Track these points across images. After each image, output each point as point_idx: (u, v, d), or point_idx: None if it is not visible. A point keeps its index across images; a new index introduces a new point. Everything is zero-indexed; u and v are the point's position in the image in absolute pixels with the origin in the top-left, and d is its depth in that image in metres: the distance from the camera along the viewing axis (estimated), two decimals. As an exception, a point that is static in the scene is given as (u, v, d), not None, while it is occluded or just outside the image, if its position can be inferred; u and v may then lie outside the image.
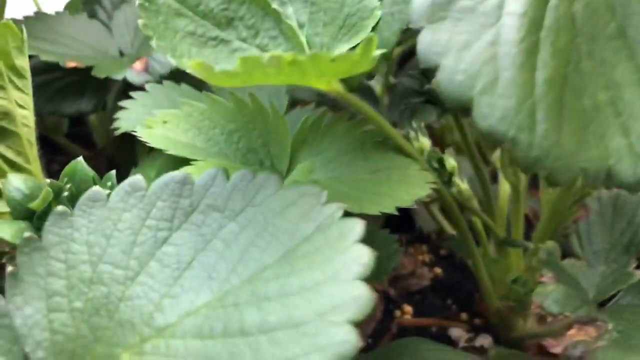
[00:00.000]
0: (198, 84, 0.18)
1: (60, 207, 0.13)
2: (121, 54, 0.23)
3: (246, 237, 0.11)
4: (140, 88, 0.19)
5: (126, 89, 0.20)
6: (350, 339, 0.09)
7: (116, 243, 0.12)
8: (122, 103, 0.18)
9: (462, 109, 0.10)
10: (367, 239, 0.18)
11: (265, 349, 0.10)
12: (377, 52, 0.12)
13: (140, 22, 0.13)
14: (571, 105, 0.10)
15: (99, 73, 0.20)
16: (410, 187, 0.14)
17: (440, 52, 0.10)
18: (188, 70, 0.11)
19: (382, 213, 0.14)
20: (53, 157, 0.30)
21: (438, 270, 0.27)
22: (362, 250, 0.10)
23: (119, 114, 0.18)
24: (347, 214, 0.13)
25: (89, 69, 0.20)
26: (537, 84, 0.10)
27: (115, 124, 0.18)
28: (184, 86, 0.18)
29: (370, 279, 0.10)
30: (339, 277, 0.10)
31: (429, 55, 0.10)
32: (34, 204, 0.14)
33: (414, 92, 0.21)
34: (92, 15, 0.23)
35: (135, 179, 0.12)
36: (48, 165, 0.28)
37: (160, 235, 0.12)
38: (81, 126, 0.32)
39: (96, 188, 0.13)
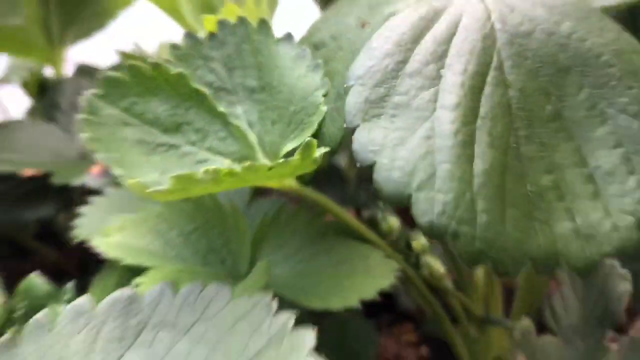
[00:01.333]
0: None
1: (6, 335, 0.12)
2: (83, 157, 0.23)
3: (198, 356, 0.10)
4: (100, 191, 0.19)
5: (89, 191, 0.20)
6: None
7: (64, 372, 0.11)
8: (79, 209, 0.18)
9: (403, 206, 0.10)
10: (339, 332, 0.18)
11: None
12: (321, 151, 0.12)
13: (85, 136, 0.13)
14: (513, 192, 0.10)
15: (58, 179, 0.19)
16: (373, 278, 0.14)
17: (376, 150, 0.10)
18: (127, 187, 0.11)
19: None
20: (22, 262, 0.29)
21: (424, 350, 0.26)
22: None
23: (77, 221, 0.17)
24: (309, 313, 0.13)
25: (48, 175, 0.20)
26: (476, 174, 0.10)
27: (74, 232, 0.17)
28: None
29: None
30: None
31: (365, 154, 0.10)
32: (-17, 328, 0.14)
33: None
34: (52, 120, 0.23)
35: (82, 300, 0.12)
36: (17, 272, 0.27)
37: (110, 359, 0.11)
38: (51, 224, 0.32)
39: (43, 312, 0.12)
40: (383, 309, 0.29)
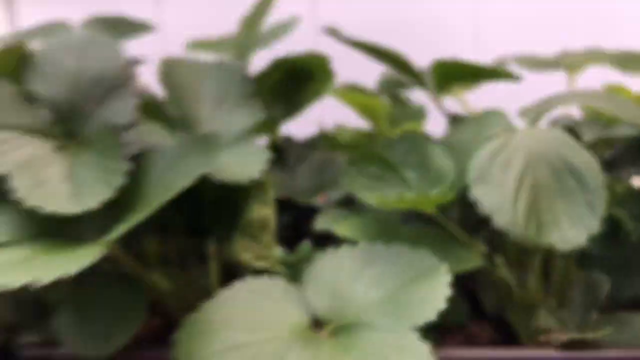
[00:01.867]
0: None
1: (308, 262, 0.28)
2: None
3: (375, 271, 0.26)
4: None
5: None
6: None
7: None
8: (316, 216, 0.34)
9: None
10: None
11: None
12: (450, 195, 0.27)
13: (346, 183, 0.29)
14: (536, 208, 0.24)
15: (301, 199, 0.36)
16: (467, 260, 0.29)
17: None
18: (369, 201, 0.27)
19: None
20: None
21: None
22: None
23: (317, 219, 0.34)
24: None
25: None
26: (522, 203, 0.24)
27: (316, 223, 0.34)
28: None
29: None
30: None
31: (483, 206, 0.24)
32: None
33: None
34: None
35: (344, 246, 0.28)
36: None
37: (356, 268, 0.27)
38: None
39: (321, 252, 0.28)
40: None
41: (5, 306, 0.25)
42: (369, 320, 0.23)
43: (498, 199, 0.24)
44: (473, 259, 0.28)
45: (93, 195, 0.23)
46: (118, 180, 0.23)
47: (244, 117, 0.33)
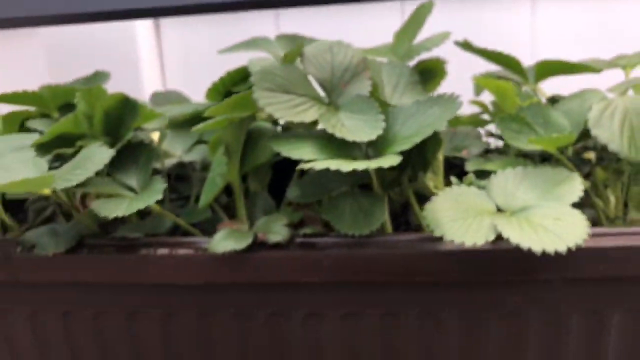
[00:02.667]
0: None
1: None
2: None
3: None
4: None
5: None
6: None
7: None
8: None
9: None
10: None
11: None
12: (570, 138, 0.42)
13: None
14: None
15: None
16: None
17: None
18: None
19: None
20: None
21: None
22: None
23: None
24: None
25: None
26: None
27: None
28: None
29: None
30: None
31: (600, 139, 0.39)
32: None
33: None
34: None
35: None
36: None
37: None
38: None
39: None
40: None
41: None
42: (532, 205, 0.38)
43: (609, 135, 0.39)
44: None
45: (365, 134, 0.39)
46: (381, 126, 0.39)
47: (412, 96, 0.49)
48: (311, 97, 0.41)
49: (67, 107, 0.56)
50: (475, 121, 0.58)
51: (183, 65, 0.86)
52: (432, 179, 0.45)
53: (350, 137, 0.37)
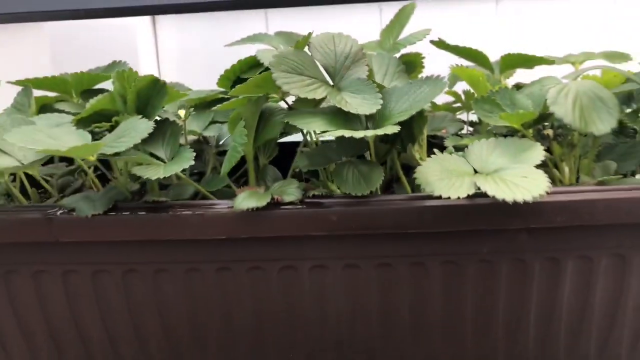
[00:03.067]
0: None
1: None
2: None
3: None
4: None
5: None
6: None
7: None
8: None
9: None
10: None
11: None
12: (533, 115, 0.51)
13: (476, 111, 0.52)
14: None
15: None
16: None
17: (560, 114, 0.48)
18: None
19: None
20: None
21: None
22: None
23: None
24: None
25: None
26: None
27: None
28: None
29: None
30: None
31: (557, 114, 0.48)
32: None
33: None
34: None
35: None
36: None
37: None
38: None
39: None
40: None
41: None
42: (503, 167, 0.46)
43: (564, 111, 0.48)
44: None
45: (367, 108, 0.46)
46: (379, 102, 0.47)
47: (400, 82, 0.57)
48: (319, 79, 0.48)
49: (88, 93, 0.62)
50: (450, 108, 0.67)
51: (177, 58, 0.92)
52: (418, 151, 0.53)
53: (354, 110, 0.44)
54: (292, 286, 0.52)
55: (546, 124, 0.55)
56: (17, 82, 0.58)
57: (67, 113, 0.56)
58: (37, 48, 0.86)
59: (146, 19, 0.89)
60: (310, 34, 0.49)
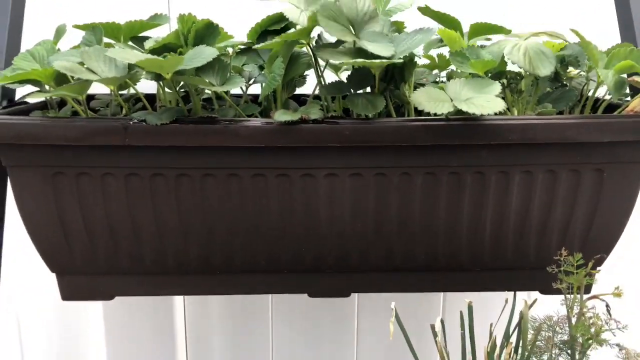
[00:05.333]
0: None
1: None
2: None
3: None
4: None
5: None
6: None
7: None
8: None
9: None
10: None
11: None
12: (493, 64, 0.69)
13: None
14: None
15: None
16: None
17: (515, 60, 0.65)
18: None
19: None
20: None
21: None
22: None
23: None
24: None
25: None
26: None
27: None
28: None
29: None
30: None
31: (513, 60, 0.65)
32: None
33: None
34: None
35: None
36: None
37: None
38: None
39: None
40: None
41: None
42: (472, 97, 0.64)
43: (517, 58, 0.65)
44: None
45: (385, 52, 0.62)
46: (392, 48, 0.63)
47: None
48: (346, 27, 0.64)
49: (137, 39, 0.75)
50: (428, 66, 0.84)
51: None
52: (407, 90, 0.70)
53: (377, 52, 0.60)
54: (310, 190, 0.67)
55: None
56: (83, 26, 0.71)
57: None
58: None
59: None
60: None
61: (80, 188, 0.67)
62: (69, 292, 0.73)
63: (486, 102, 0.61)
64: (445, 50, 0.78)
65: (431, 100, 0.60)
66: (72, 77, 0.64)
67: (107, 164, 0.66)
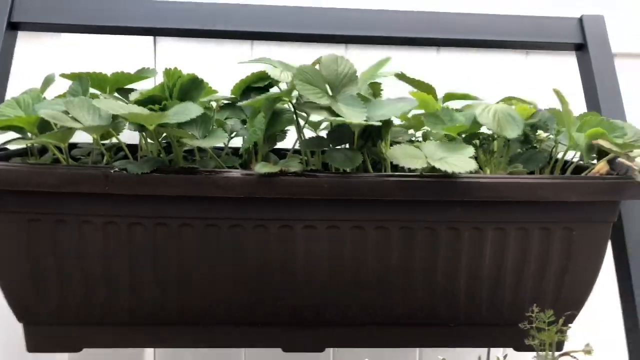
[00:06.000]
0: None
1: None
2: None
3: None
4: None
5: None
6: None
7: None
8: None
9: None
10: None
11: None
12: (465, 127, 0.72)
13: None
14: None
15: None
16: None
17: (485, 122, 0.69)
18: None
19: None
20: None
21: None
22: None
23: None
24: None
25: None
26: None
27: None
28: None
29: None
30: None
31: (483, 122, 0.69)
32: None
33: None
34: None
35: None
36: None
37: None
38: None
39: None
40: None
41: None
42: (446, 157, 0.66)
43: (487, 120, 0.68)
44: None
45: (357, 117, 0.65)
46: (365, 114, 0.65)
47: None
48: (324, 90, 0.67)
49: (122, 91, 0.77)
50: (404, 126, 0.87)
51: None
52: (384, 147, 0.72)
53: (348, 119, 0.63)
54: (287, 241, 0.68)
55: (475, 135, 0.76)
56: (70, 76, 0.73)
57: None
58: (55, 55, 1.01)
59: (148, 38, 1.06)
60: (321, 57, 0.67)
61: (56, 235, 0.67)
62: (36, 342, 0.71)
63: (459, 161, 0.63)
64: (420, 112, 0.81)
65: (407, 157, 0.63)
66: (56, 125, 0.65)
67: (85, 212, 0.66)
